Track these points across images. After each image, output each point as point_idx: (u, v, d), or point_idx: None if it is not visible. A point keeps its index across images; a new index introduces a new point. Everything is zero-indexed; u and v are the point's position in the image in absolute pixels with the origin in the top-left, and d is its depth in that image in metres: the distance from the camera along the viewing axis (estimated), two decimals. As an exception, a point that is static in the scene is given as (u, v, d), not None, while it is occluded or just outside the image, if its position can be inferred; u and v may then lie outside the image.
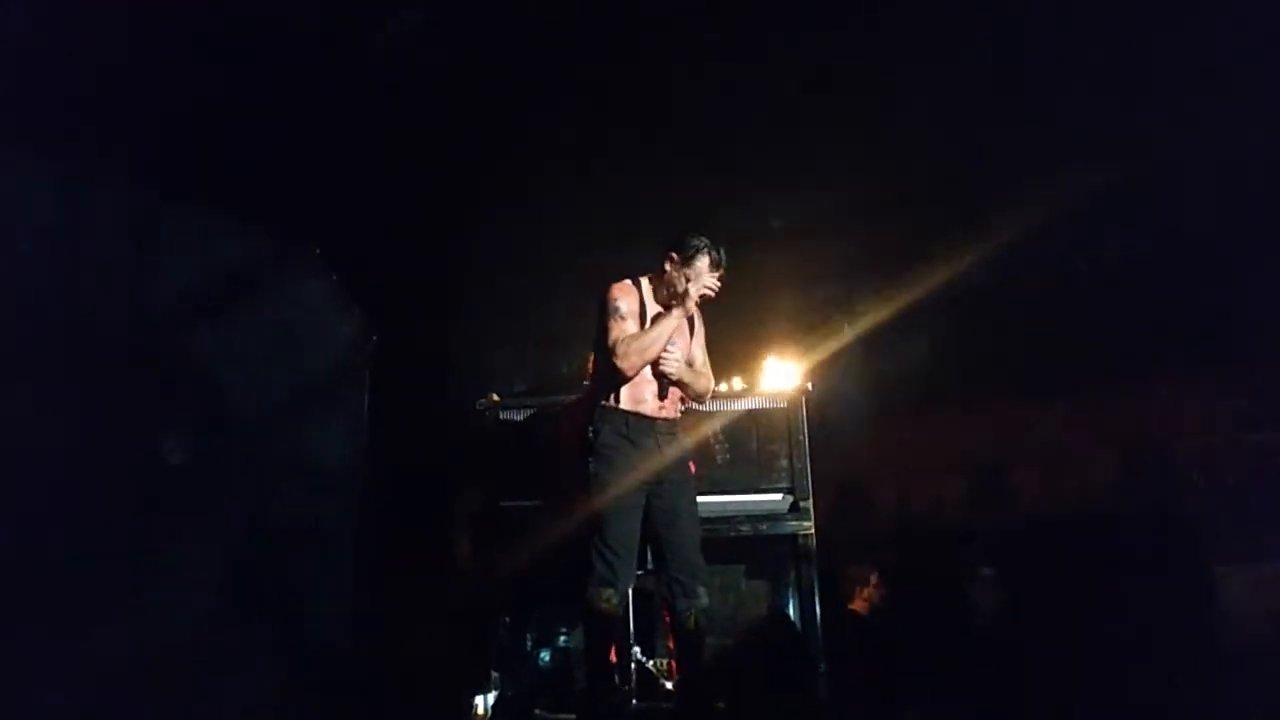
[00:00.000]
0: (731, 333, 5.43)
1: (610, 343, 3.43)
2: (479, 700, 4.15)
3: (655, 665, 4.16)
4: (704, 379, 3.65)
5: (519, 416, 4.50)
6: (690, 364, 3.61)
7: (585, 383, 4.34)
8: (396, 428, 4.52)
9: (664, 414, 3.52)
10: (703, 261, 3.43)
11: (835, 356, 5.61)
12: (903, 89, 5.15)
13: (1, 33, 3.21)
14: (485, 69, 5.18)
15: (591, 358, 3.84)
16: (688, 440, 3.70)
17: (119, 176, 3.42)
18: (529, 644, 4.45)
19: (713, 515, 4.20)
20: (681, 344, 3.55)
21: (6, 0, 3.27)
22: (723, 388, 4.59)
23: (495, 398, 4.54)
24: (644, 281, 3.57)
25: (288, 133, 4.32)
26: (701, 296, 3.48)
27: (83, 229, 3.28)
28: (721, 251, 3.47)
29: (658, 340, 3.43)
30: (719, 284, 3.48)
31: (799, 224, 5.71)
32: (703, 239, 3.46)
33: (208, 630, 3.37)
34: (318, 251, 3.95)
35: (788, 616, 4.40)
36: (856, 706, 4.04)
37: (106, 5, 3.60)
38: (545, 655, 4.44)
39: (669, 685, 4.08)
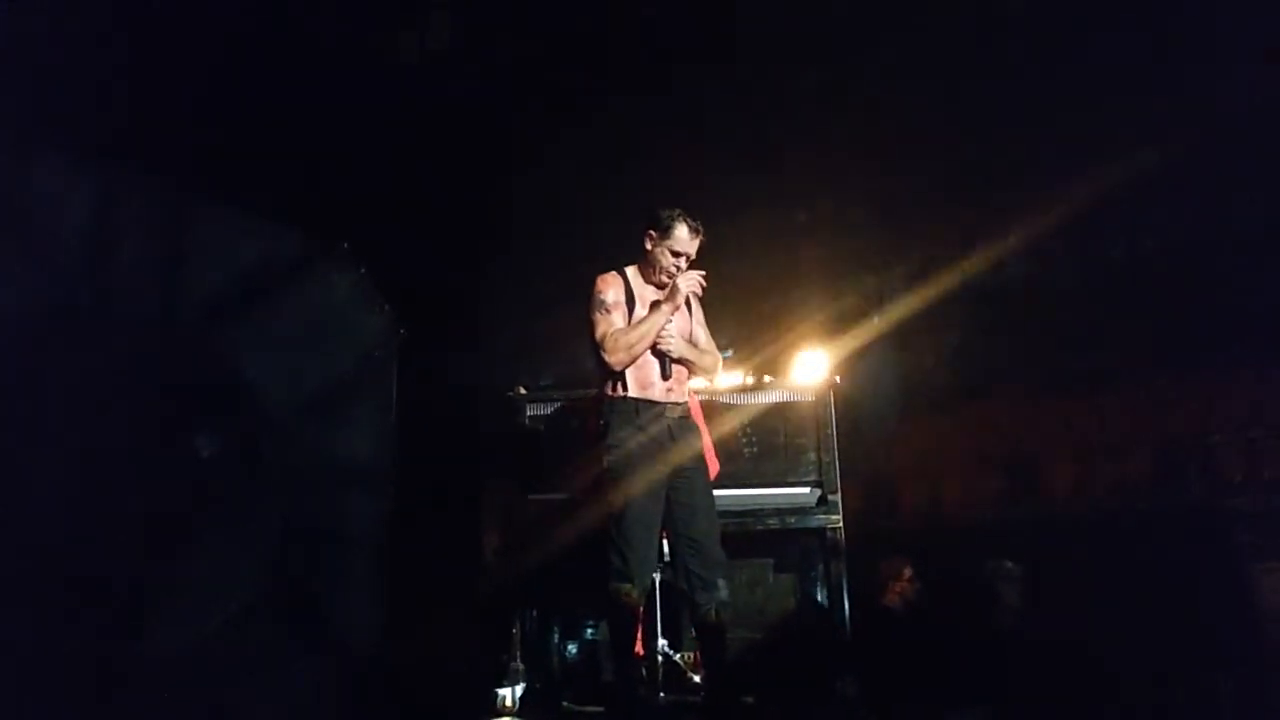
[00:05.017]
0: (760, 325, 5.43)
1: (598, 338, 3.44)
2: (505, 693, 4.16)
3: (682, 658, 4.15)
4: (709, 357, 3.65)
5: (546, 410, 4.52)
6: (694, 344, 3.61)
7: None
8: (425, 422, 4.54)
9: (672, 397, 3.50)
10: (681, 229, 3.45)
11: (864, 350, 5.57)
12: (934, 85, 5.12)
13: (33, 31, 3.25)
14: (514, 69, 5.22)
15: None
16: (701, 428, 3.68)
17: (150, 174, 3.46)
18: (556, 636, 4.46)
19: (740, 509, 4.20)
20: (681, 323, 3.56)
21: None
22: (751, 380, 4.60)
23: (522, 390, 4.56)
24: (630, 270, 3.59)
25: (318, 130, 4.35)
26: (691, 293, 3.50)
27: (113, 227, 3.31)
28: (697, 218, 3.48)
29: (645, 336, 3.42)
30: (705, 281, 3.48)
31: (829, 218, 5.68)
32: (676, 209, 3.48)
33: (240, 628, 3.39)
34: (346, 246, 3.97)
35: (816, 611, 4.38)
36: (886, 702, 4.01)
37: (137, 3, 3.64)
38: (572, 648, 4.45)
39: (696, 678, 4.08)
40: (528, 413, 4.52)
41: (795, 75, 5.21)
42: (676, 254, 3.47)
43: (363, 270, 4.00)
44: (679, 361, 3.52)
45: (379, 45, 4.97)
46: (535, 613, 4.40)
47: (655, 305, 3.47)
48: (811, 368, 5.06)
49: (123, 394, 3.21)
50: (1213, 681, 3.77)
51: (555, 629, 4.47)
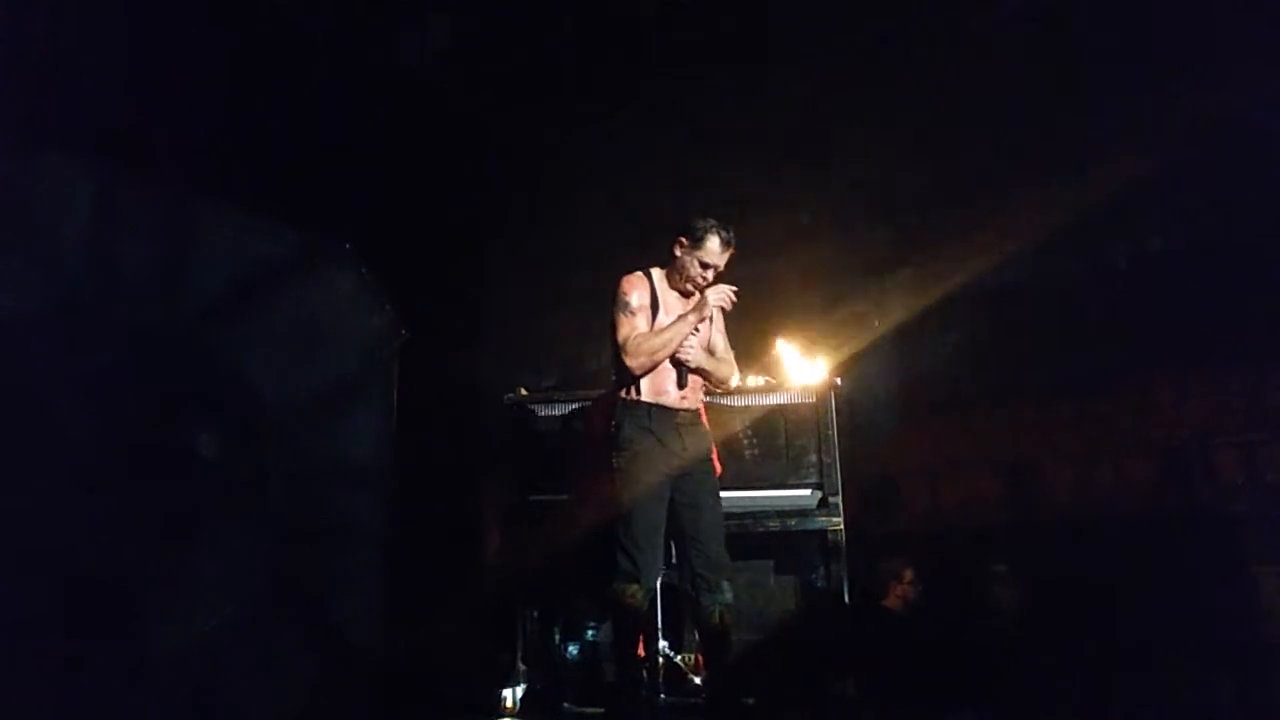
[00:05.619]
0: (760, 327, 5.43)
1: (620, 340, 3.41)
2: (507, 693, 4.17)
3: (683, 659, 4.15)
4: (726, 365, 3.61)
5: (547, 411, 4.52)
6: (712, 352, 3.57)
7: (614, 378, 4.35)
8: (426, 423, 4.54)
9: (685, 404, 3.47)
10: (713, 241, 3.39)
11: (865, 352, 5.57)
12: (933, 85, 5.12)
13: (34, 32, 3.25)
14: (514, 69, 5.22)
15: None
16: (710, 432, 3.67)
17: (150, 174, 3.45)
18: (557, 637, 4.46)
19: (741, 511, 4.19)
20: (702, 330, 3.51)
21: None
22: (750, 383, 4.58)
23: (524, 392, 4.56)
24: (655, 272, 3.54)
25: (322, 132, 4.35)
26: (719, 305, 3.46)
27: (114, 227, 3.30)
28: (730, 230, 3.43)
29: (668, 345, 3.39)
30: (735, 297, 3.45)
31: (830, 219, 5.69)
32: (710, 219, 3.42)
33: (240, 627, 3.39)
34: (348, 246, 3.97)
35: (817, 613, 4.37)
36: (886, 704, 4.01)
37: (139, 4, 3.64)
38: (573, 649, 4.45)
39: (697, 680, 4.08)
40: (529, 413, 4.52)
41: (795, 76, 5.21)
42: (705, 265, 3.42)
43: (364, 271, 3.99)
44: (695, 371, 3.49)
45: (379, 46, 4.97)
46: (536, 613, 4.39)
47: (682, 316, 3.44)
48: (813, 370, 5.05)
49: (122, 394, 3.20)
50: (1213, 681, 3.78)
51: (557, 630, 4.46)
